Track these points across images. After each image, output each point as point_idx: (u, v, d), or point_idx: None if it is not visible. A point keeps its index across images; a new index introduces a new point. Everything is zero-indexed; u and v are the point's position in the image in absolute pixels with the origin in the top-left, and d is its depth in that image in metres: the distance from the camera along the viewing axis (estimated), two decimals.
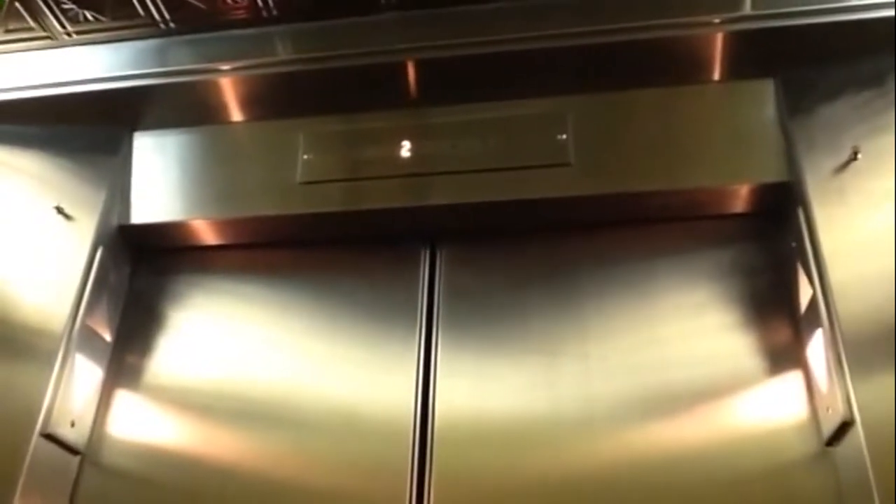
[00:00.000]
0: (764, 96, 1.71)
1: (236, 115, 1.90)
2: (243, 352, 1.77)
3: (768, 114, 1.69)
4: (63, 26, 1.86)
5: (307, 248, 1.87)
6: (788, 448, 1.46)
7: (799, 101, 1.66)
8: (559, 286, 1.72)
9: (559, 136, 1.74)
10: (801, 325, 1.57)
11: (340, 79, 1.81)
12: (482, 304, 1.73)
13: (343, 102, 1.85)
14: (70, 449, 1.65)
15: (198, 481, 1.64)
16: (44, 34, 1.88)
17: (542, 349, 1.65)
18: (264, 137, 1.89)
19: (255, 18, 1.81)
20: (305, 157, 1.84)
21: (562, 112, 1.76)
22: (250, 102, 1.88)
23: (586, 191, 1.70)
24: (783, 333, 1.58)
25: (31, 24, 1.85)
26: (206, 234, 1.89)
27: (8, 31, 1.87)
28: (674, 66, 1.72)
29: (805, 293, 1.55)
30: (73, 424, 1.65)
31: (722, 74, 1.73)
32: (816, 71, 1.67)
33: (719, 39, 1.69)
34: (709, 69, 1.73)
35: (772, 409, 1.51)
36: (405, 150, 1.80)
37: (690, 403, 1.54)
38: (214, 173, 1.88)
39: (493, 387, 1.63)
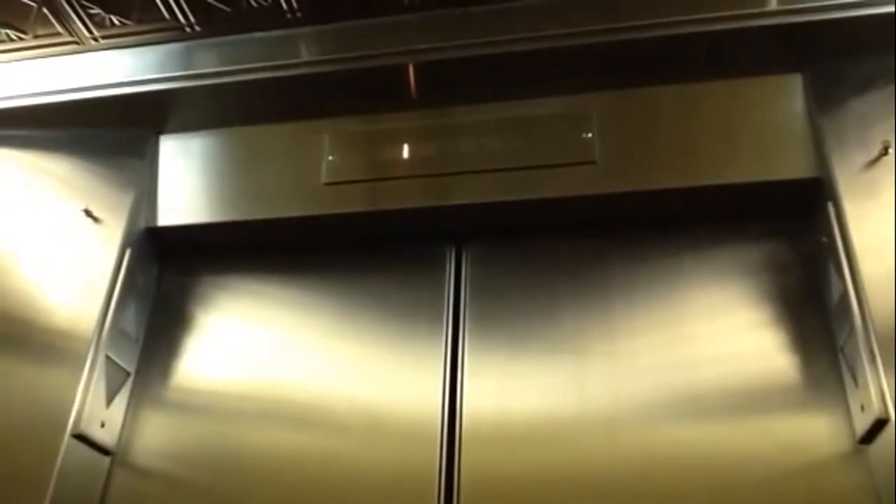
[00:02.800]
0: (792, 91, 1.70)
1: (261, 117, 1.91)
2: (270, 353, 1.78)
3: (796, 109, 1.68)
4: (90, 31, 1.87)
5: (333, 249, 1.88)
6: (821, 447, 1.44)
7: (827, 96, 1.64)
8: (586, 285, 1.71)
9: (584, 135, 1.73)
10: (832, 321, 1.55)
11: (364, 79, 1.82)
12: (508, 303, 1.72)
13: (367, 103, 1.86)
14: (100, 449, 1.66)
15: (226, 481, 1.65)
16: (71, 39, 1.90)
17: (569, 348, 1.64)
18: (289, 139, 1.90)
19: (279, 20, 1.81)
20: (330, 158, 1.84)
21: (587, 110, 1.76)
22: (275, 104, 1.89)
23: (612, 189, 1.70)
24: (814, 331, 1.56)
25: (59, 29, 1.87)
26: (233, 235, 1.89)
27: (36, 37, 1.89)
28: (700, 62, 1.71)
29: (836, 289, 1.53)
30: (102, 425, 1.67)
31: (749, 70, 1.71)
32: (844, 65, 1.66)
33: (745, 34, 1.67)
34: (735, 64, 1.71)
35: (803, 407, 1.49)
36: (430, 149, 1.80)
37: (720, 402, 1.52)
38: (240, 175, 1.89)
39: (520, 386, 1.63)
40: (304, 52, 1.83)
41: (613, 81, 1.76)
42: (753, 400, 1.51)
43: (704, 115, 1.71)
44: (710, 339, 1.60)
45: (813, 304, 1.59)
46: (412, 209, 1.78)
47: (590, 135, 1.73)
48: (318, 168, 1.84)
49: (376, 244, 1.86)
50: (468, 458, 1.56)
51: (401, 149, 1.81)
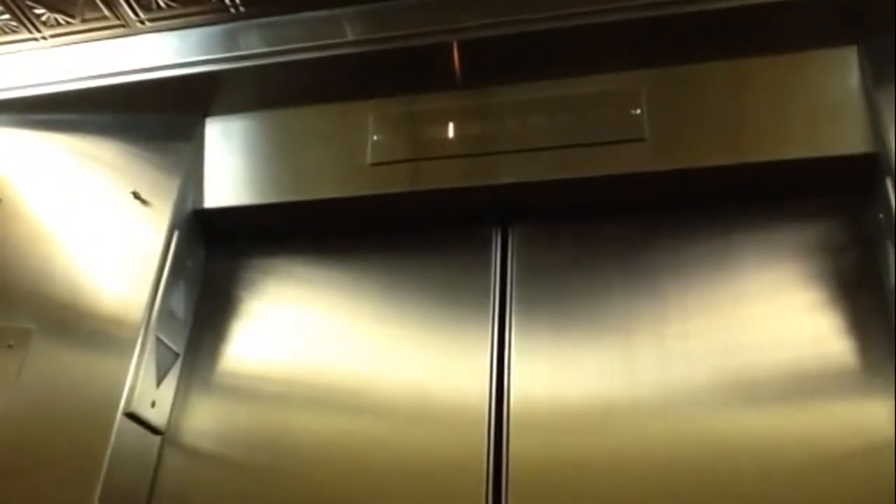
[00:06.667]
0: (847, 65, 1.65)
1: (306, 97, 1.90)
2: (316, 335, 1.79)
3: (852, 83, 1.63)
4: (136, 14, 1.88)
5: (378, 230, 1.87)
6: (878, 430, 1.41)
7: (884, 69, 1.59)
8: (635, 265, 1.68)
9: (633, 111, 1.70)
10: (889, 303, 1.51)
11: (409, 58, 1.80)
12: (556, 284, 1.71)
13: (412, 82, 1.84)
14: (151, 428, 1.69)
15: (272, 461, 1.66)
16: (117, 22, 1.91)
17: (618, 330, 1.62)
18: (334, 120, 1.89)
19: (324, 0, 1.81)
20: (375, 138, 1.83)
21: (636, 86, 1.73)
22: (320, 85, 1.88)
23: (662, 166, 1.66)
24: (871, 312, 1.52)
25: (106, 12, 1.88)
26: (279, 217, 1.90)
27: (84, 21, 1.91)
28: (751, 35, 1.67)
29: (893, 269, 1.49)
30: (153, 405, 1.69)
31: (802, 43, 1.66)
32: None
33: (798, 7, 1.62)
34: (788, 38, 1.66)
35: (860, 390, 1.46)
36: (476, 129, 1.78)
37: (775, 385, 1.50)
38: (286, 157, 1.89)
39: (568, 368, 1.61)
40: (348, 32, 1.82)
41: (662, 57, 1.72)
42: (809, 383, 1.48)
43: (756, 90, 1.67)
44: (764, 321, 1.56)
45: (870, 283, 1.55)
46: (458, 189, 1.76)
47: (638, 111, 1.70)
48: (364, 149, 1.83)
49: (422, 225, 1.85)
50: (516, 441, 1.56)
51: (446, 128, 1.80)
